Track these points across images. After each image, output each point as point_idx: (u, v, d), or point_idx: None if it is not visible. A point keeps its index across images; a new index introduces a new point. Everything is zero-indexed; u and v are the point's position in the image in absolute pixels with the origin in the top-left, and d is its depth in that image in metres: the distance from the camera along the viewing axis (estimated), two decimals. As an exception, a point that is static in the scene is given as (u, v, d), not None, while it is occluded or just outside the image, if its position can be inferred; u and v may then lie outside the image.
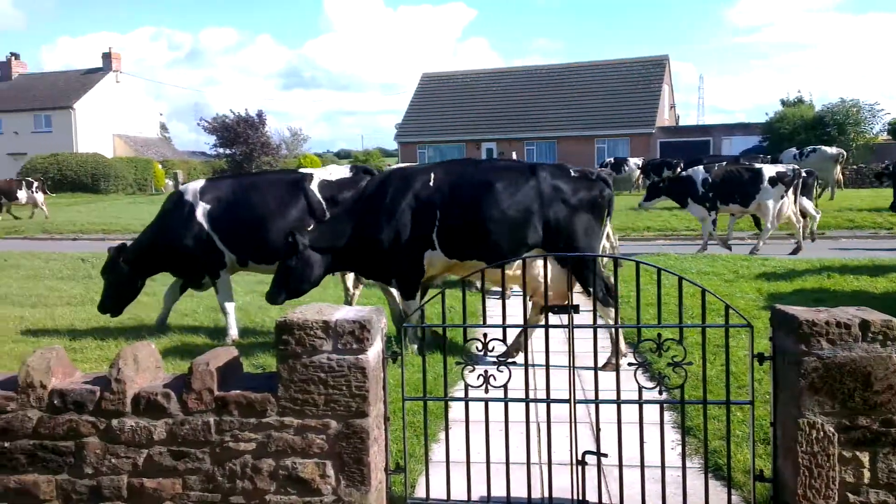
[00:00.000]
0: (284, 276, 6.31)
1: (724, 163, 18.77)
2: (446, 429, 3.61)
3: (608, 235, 10.63)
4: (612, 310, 5.90)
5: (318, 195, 7.29)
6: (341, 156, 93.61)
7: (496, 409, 3.50)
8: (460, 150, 46.70)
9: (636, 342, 3.62)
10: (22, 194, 25.44)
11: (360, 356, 3.26)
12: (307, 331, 3.25)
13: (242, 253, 7.35)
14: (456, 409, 4.35)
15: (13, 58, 56.25)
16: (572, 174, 6.37)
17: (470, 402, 3.48)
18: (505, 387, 3.37)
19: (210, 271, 7.50)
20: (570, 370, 3.45)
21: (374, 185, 6.68)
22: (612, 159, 32.92)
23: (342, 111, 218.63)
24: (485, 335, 3.40)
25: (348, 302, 8.22)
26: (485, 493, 3.47)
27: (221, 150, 52.06)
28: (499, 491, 3.47)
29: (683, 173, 15.11)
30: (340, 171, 7.59)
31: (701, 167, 14.63)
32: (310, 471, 3.27)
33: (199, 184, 7.67)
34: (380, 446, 3.46)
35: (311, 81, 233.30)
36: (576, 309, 3.38)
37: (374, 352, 3.35)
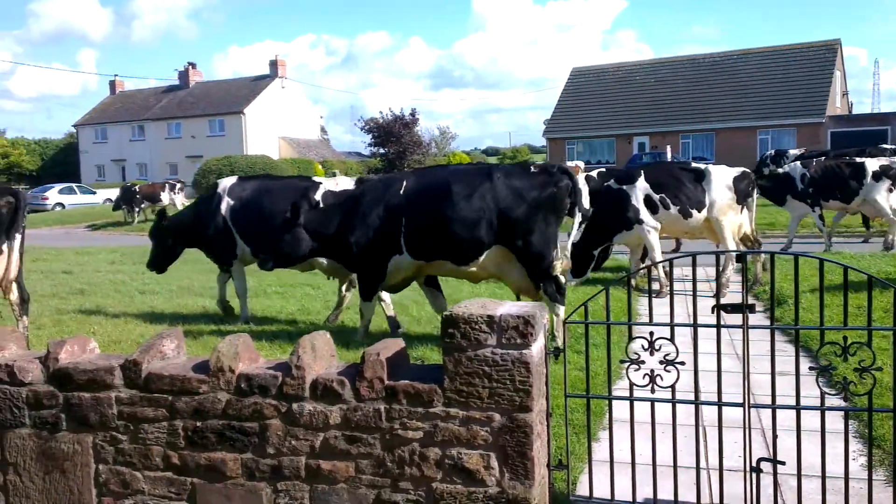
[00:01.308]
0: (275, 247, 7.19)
1: (822, 157, 17.34)
2: (610, 428, 3.56)
3: (749, 231, 10.07)
4: (561, 306, 6.59)
5: (321, 202, 7.75)
6: (489, 153, 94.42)
7: (659, 411, 3.42)
8: (610, 145, 45.72)
9: (818, 345, 3.40)
10: (165, 196, 27.91)
11: (523, 351, 3.28)
12: (472, 325, 3.32)
13: (254, 246, 8.21)
14: (615, 409, 4.28)
15: (190, 67, 61.18)
16: (531, 171, 6.74)
17: (635, 402, 3.41)
18: (673, 387, 3.28)
19: (223, 258, 8.59)
20: (744, 372, 3.30)
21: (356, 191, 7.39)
22: (772, 151, 30.94)
23: (489, 108, 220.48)
24: (651, 334, 3.32)
25: (339, 303, 8.57)
26: (650, 495, 3.40)
27: (375, 150, 54.00)
28: (665, 494, 3.39)
29: (780, 170, 14.22)
30: (346, 183, 8.31)
31: (798, 163, 13.68)
32: (474, 461, 3.34)
33: (231, 181, 8.70)
34: (542, 442, 3.47)
35: (459, 80, 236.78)
36: (751, 308, 3.23)
37: (538, 347, 3.37)
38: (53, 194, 43.13)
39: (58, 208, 41.62)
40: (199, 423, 3.67)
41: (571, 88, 50.29)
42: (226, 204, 8.39)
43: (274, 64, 57.86)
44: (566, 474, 3.58)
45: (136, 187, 29.41)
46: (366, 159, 57.51)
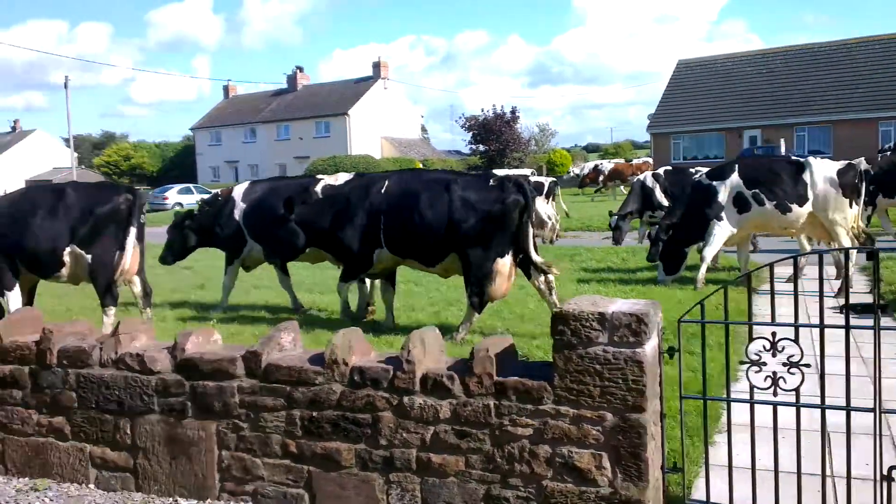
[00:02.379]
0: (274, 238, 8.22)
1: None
2: (728, 431, 3.44)
3: (857, 227, 9.47)
4: (476, 315, 7.21)
5: (320, 196, 8.37)
6: (589, 149, 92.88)
7: (780, 415, 3.27)
8: (719, 140, 44.00)
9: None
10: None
11: (636, 350, 3.22)
12: (582, 322, 3.28)
13: (264, 245, 8.97)
14: (732, 412, 4.13)
15: (298, 71, 63.30)
16: (490, 184, 7.19)
17: (755, 405, 3.28)
18: (797, 391, 3.13)
19: (232, 254, 9.33)
20: (874, 376, 3.11)
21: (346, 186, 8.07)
22: (892, 143, 28.95)
23: (589, 104, 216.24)
24: (773, 334, 3.18)
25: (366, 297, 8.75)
26: (771, 503, 3.26)
27: (475, 147, 54.16)
28: (787, 501, 3.24)
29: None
30: (345, 178, 8.70)
31: (862, 158, 12.66)
32: (586, 461, 3.30)
33: (244, 186, 9.58)
34: (656, 443, 3.39)
35: (558, 77, 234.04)
36: (884, 309, 3.04)
37: (651, 346, 3.29)
38: (173, 194, 45.62)
39: (177, 207, 43.96)
40: (314, 413, 3.80)
41: (677, 81, 48.74)
42: (239, 208, 9.22)
43: (377, 66, 59.06)
44: (681, 477, 3.47)
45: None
46: (465, 157, 57.80)
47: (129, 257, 7.85)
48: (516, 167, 49.96)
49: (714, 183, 9.73)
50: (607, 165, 33.72)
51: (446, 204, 7.08)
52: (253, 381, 3.89)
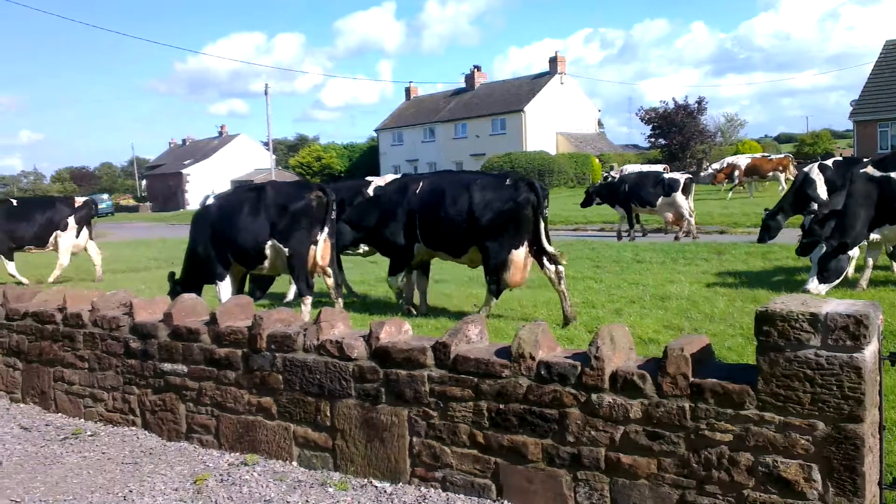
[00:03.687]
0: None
1: None
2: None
3: None
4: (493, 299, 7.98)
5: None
6: (781, 140, 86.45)
7: None
8: (936, 126, 39.35)
9: None
10: None
11: (854, 355, 2.94)
12: (791, 323, 3.05)
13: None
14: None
15: (476, 70, 64.30)
16: (506, 183, 7.90)
17: None
18: None
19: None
20: None
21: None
22: None
23: (780, 92, 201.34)
24: None
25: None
26: None
27: (655, 141, 52.30)
28: None
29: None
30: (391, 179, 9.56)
31: None
32: (793, 472, 3.07)
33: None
34: (874, 457, 3.08)
35: (745, 64, 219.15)
36: None
37: (871, 351, 3.00)
38: (357, 193, 48.03)
39: (361, 205, 46.25)
40: (501, 406, 3.83)
41: (885, 63, 44.12)
42: None
43: (553, 61, 58.65)
44: (903, 497, 3.14)
45: None
46: (644, 151, 55.96)
47: (321, 250, 8.37)
48: (700, 159, 47.58)
49: (892, 174, 8.43)
50: (743, 161, 30.96)
51: (467, 202, 7.91)
52: (442, 372, 3.99)
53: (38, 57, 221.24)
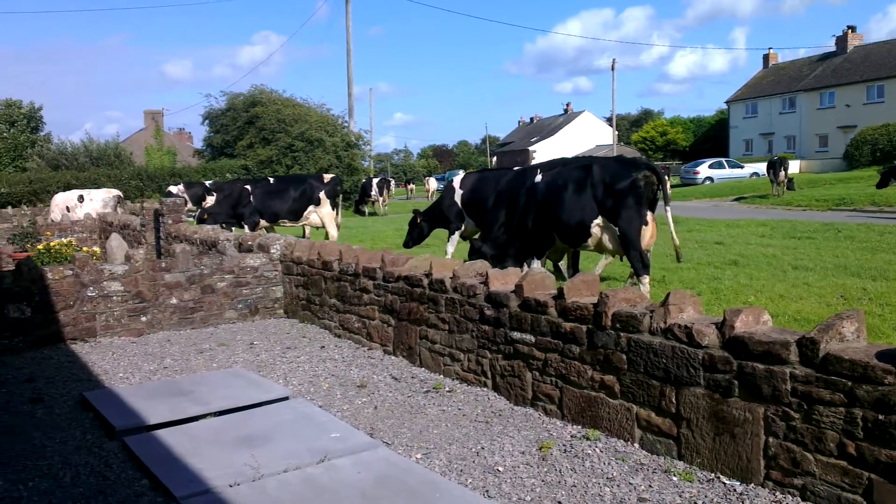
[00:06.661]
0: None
1: None
2: None
3: None
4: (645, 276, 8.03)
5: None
6: None
7: None
8: None
9: None
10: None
11: None
12: None
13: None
14: None
15: (849, 30, 56.79)
16: (625, 160, 8.69)
17: None
18: None
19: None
20: None
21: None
22: None
23: None
24: None
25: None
26: None
27: None
28: None
29: None
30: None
31: None
32: None
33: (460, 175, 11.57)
34: None
35: None
36: None
37: None
38: (703, 169, 45.84)
39: (707, 182, 44.08)
40: (880, 416, 3.34)
41: None
42: (458, 193, 11.25)
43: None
44: None
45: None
46: None
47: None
48: None
49: None
50: None
51: (588, 183, 8.18)
52: (807, 370, 3.60)
53: (414, 47, 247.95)
